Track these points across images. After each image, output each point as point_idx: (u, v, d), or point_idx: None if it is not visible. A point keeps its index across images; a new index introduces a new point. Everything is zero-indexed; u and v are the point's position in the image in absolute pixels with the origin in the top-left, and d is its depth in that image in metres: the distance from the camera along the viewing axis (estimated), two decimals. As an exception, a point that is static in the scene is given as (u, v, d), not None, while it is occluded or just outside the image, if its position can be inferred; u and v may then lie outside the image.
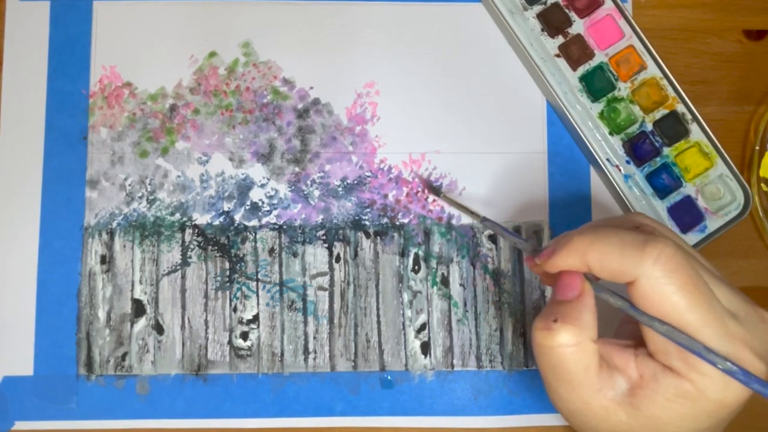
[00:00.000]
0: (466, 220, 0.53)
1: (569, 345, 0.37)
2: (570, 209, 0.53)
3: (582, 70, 0.52)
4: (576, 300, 0.38)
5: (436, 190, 0.53)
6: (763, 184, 0.53)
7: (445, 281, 0.53)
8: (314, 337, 0.52)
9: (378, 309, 0.52)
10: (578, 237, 0.38)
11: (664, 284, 0.36)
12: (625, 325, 0.44)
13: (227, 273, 0.52)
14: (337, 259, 0.52)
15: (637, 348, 0.39)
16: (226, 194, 0.53)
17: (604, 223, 0.42)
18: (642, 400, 0.37)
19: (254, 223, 0.53)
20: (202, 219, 0.52)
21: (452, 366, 0.52)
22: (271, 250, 0.52)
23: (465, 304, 0.52)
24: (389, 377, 0.52)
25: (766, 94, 0.55)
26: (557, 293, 0.39)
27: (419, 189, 0.53)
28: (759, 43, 0.56)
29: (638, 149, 0.52)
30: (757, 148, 0.54)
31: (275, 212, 0.53)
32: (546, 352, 0.38)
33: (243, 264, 0.52)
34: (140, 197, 0.52)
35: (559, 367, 0.38)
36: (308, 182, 0.53)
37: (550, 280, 0.43)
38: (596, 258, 0.37)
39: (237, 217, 0.52)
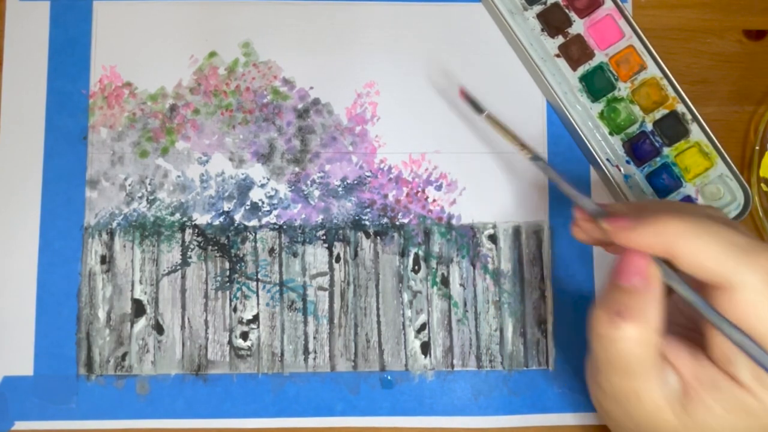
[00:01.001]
0: (466, 220, 0.53)
1: (633, 341, 0.35)
2: (570, 209, 0.53)
3: (582, 70, 0.52)
4: (642, 289, 0.35)
5: (478, 107, 0.50)
6: (763, 184, 0.53)
7: (445, 281, 0.53)
8: (314, 337, 0.52)
9: (378, 309, 0.52)
10: (670, 220, 0.35)
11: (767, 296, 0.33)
12: (671, 312, 0.39)
13: (227, 273, 0.52)
14: (337, 259, 0.52)
15: (694, 349, 0.37)
16: (226, 194, 0.53)
17: (691, 209, 0.39)
18: (697, 405, 0.35)
19: (254, 223, 0.53)
20: (202, 219, 0.52)
21: (452, 366, 0.52)
22: (271, 250, 0.52)
23: (465, 304, 0.52)
24: (389, 377, 0.52)
25: (766, 94, 0.55)
26: (621, 276, 0.36)
27: (419, 189, 0.53)
28: (759, 43, 0.56)
29: (638, 149, 0.52)
30: (757, 148, 0.54)
31: (275, 212, 0.53)
32: (606, 342, 0.35)
33: (243, 264, 0.52)
34: (140, 197, 0.52)
35: (617, 359, 0.35)
36: (308, 182, 0.53)
37: (592, 240, 0.40)
38: (690, 250, 0.34)
39: (237, 217, 0.52)
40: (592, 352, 0.38)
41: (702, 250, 0.34)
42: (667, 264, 0.36)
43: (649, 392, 0.36)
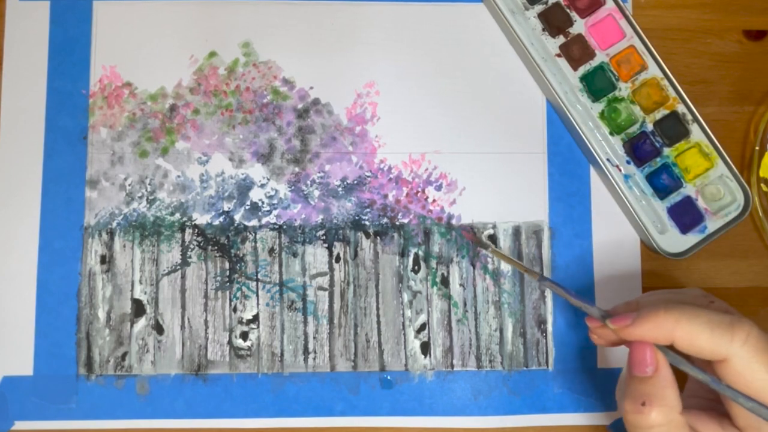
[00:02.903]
0: (466, 219, 0.53)
1: (662, 425, 0.39)
2: (570, 209, 0.53)
3: (583, 69, 0.52)
4: (655, 376, 0.40)
5: (484, 244, 0.53)
6: (763, 185, 0.53)
7: (444, 281, 0.53)
8: (314, 337, 0.52)
9: (378, 309, 0.52)
10: (664, 313, 0.39)
11: (753, 362, 0.38)
12: (693, 388, 0.46)
13: (227, 273, 0.52)
14: (337, 259, 0.52)
15: (721, 419, 0.41)
16: (226, 194, 0.53)
17: (677, 298, 0.44)
18: None
19: (254, 223, 0.53)
20: (202, 219, 0.52)
21: (452, 366, 0.52)
22: (271, 250, 0.52)
23: (465, 304, 0.52)
24: (389, 377, 0.52)
25: (766, 94, 0.55)
26: (633, 369, 0.40)
27: (419, 189, 0.53)
28: (759, 43, 0.56)
29: (638, 149, 0.52)
30: (757, 148, 0.54)
31: (275, 212, 0.53)
32: (639, 431, 0.40)
33: (243, 264, 0.52)
34: (140, 197, 0.52)
35: None
36: (308, 182, 0.53)
37: (608, 343, 0.44)
38: (685, 336, 0.39)
39: (237, 217, 0.52)
40: None
41: (696, 335, 0.39)
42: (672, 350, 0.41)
43: None
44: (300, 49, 0.54)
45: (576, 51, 0.52)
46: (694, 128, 0.52)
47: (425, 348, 0.52)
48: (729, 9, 0.56)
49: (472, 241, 0.53)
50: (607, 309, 0.44)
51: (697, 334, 0.38)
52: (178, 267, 0.52)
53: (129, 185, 0.52)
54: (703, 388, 0.44)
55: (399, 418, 0.52)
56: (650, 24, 0.55)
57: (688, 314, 0.39)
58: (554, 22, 0.52)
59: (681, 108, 0.52)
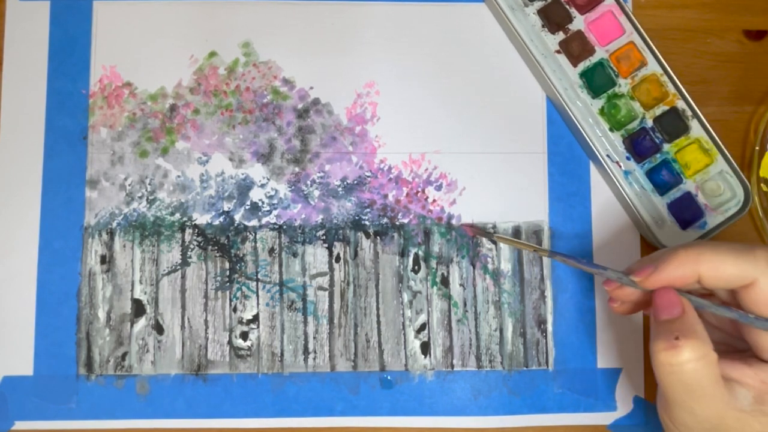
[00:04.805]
0: (466, 219, 0.53)
1: (697, 359, 0.38)
2: (570, 209, 0.53)
3: (582, 66, 0.52)
4: (683, 315, 0.40)
5: (487, 234, 0.53)
6: (762, 185, 0.53)
7: (444, 281, 0.52)
8: (314, 337, 0.52)
9: (378, 309, 0.52)
10: (684, 250, 0.40)
11: None
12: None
13: (227, 273, 0.52)
14: (337, 259, 0.52)
15: (743, 358, 0.41)
16: (226, 194, 0.53)
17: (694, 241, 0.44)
18: None
19: (254, 223, 0.52)
20: (202, 219, 0.52)
21: (452, 366, 0.52)
22: (271, 250, 0.52)
23: (465, 304, 0.52)
24: (389, 377, 0.52)
25: (766, 94, 0.55)
26: (661, 314, 0.40)
27: (419, 189, 0.53)
28: (759, 43, 0.56)
29: (638, 145, 0.52)
30: (757, 148, 0.53)
31: (275, 212, 0.53)
32: (675, 371, 0.38)
33: (243, 264, 0.52)
34: (140, 197, 0.52)
35: (693, 384, 0.38)
36: (308, 182, 0.53)
37: (629, 305, 0.44)
38: (711, 266, 0.39)
39: (237, 217, 0.52)
40: (666, 390, 0.40)
41: (721, 262, 0.39)
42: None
43: (729, 411, 0.39)
44: (300, 49, 0.54)
45: (575, 47, 0.52)
46: (694, 124, 0.52)
47: (425, 348, 0.52)
48: (729, 9, 0.56)
49: (475, 233, 0.52)
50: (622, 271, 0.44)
51: (722, 260, 0.39)
52: (178, 267, 0.52)
53: (129, 185, 0.52)
54: (719, 332, 0.44)
55: (399, 418, 0.52)
56: (650, 24, 0.55)
57: (709, 246, 0.39)
58: (554, 18, 0.52)
59: (681, 104, 0.52)
